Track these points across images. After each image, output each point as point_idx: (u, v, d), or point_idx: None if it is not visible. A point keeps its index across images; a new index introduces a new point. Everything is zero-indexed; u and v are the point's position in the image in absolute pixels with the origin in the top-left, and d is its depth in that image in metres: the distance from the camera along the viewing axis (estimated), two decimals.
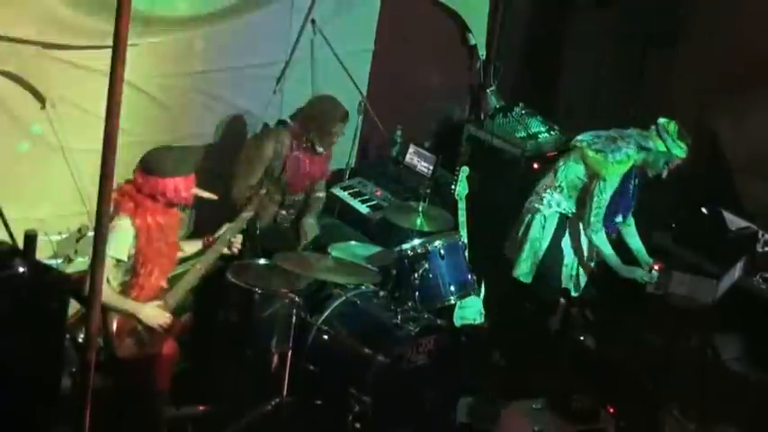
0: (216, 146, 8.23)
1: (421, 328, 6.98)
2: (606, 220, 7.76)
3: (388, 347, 6.83)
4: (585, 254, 7.95)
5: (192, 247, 6.71)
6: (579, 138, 7.86)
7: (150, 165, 6.17)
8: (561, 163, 7.91)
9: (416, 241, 7.45)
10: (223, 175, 7.76)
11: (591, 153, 7.69)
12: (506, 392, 7.54)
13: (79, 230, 6.93)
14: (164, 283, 6.34)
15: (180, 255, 6.60)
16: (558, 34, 10.22)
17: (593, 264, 8.00)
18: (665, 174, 7.75)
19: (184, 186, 6.21)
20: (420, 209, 7.68)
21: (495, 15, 10.00)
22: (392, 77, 9.36)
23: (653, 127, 7.66)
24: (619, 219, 7.85)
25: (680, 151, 7.61)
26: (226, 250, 6.70)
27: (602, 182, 7.62)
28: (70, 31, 6.88)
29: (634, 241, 8.01)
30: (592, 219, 7.67)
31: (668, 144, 7.57)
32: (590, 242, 7.83)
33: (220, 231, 6.70)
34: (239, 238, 6.76)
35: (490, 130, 9.36)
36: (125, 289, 6.20)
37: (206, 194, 6.46)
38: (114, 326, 6.10)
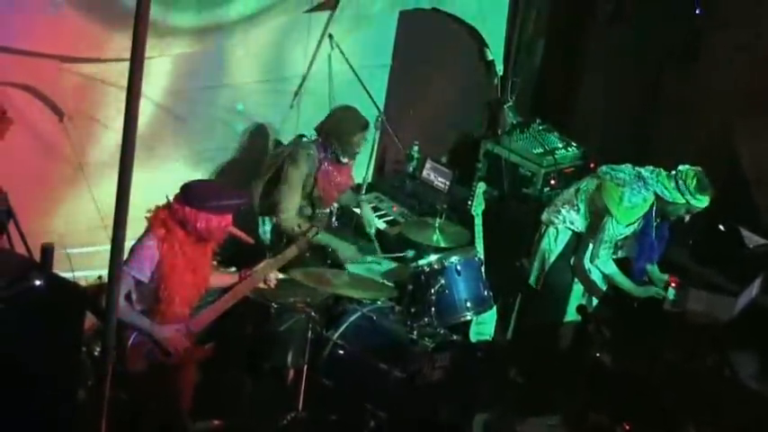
0: (233, 160, 8.25)
1: (437, 344, 6.97)
2: (636, 270, 7.83)
3: (404, 363, 6.82)
4: (593, 276, 7.92)
5: (227, 279, 6.62)
6: (604, 169, 7.82)
7: (188, 194, 6.08)
8: (583, 185, 7.89)
9: (433, 257, 7.43)
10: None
11: (610, 185, 7.66)
12: (522, 409, 7.52)
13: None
14: (187, 311, 6.28)
15: (212, 285, 6.50)
16: (575, 49, 10.22)
17: (604, 287, 7.97)
18: (687, 218, 7.73)
19: (217, 224, 6.09)
20: (437, 224, 7.67)
21: (512, 30, 10.00)
22: (409, 92, 9.37)
23: (674, 173, 7.59)
24: (645, 266, 7.88)
25: (699, 203, 7.55)
26: (261, 284, 6.63)
27: (614, 219, 7.60)
28: (89, 46, 6.92)
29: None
30: (600, 251, 7.66)
31: (687, 198, 7.52)
32: (600, 272, 7.81)
33: (258, 266, 6.59)
34: (276, 274, 6.67)
35: (507, 146, 9.35)
36: (149, 314, 6.14)
37: (244, 236, 6.40)
38: (131, 341, 6.07)
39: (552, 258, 7.92)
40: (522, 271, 8.20)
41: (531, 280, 8.07)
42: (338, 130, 7.55)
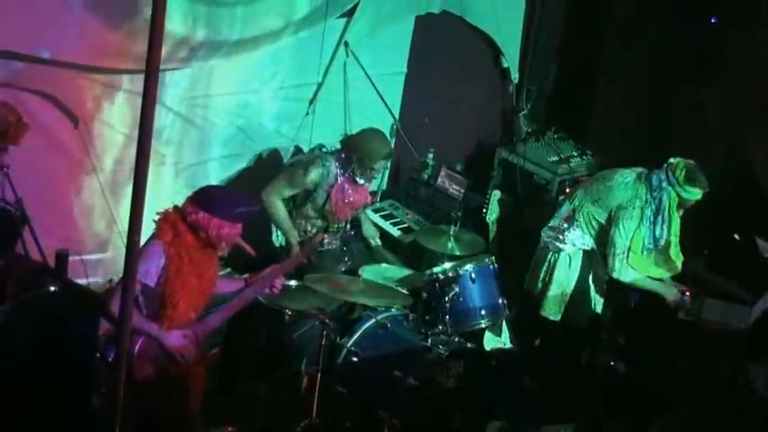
0: (246, 167, 8.26)
1: (451, 352, 6.97)
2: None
3: (418, 370, 6.82)
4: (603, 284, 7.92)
5: (232, 285, 6.58)
6: (616, 200, 7.75)
7: (204, 199, 6.05)
8: (577, 201, 7.80)
9: (447, 265, 7.43)
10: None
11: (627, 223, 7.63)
12: (536, 417, 7.51)
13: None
14: (193, 316, 6.26)
15: (218, 291, 6.44)
16: (590, 58, 10.20)
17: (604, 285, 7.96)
18: (680, 213, 7.67)
19: (229, 231, 6.05)
20: (451, 232, 7.66)
21: (527, 39, 10.00)
22: (424, 100, 9.37)
23: (665, 165, 7.53)
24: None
25: (688, 194, 7.50)
26: (267, 290, 6.58)
27: (621, 225, 7.55)
28: (105, 54, 6.94)
29: None
30: (616, 263, 7.61)
31: (677, 189, 7.47)
32: (620, 282, 7.75)
33: (265, 272, 6.54)
34: (282, 280, 6.63)
35: (522, 154, 9.34)
36: (156, 319, 6.11)
37: (247, 247, 6.39)
38: (137, 347, 6.04)
39: (573, 283, 7.87)
40: (527, 288, 8.12)
41: (553, 310, 7.95)
42: (362, 151, 7.52)
